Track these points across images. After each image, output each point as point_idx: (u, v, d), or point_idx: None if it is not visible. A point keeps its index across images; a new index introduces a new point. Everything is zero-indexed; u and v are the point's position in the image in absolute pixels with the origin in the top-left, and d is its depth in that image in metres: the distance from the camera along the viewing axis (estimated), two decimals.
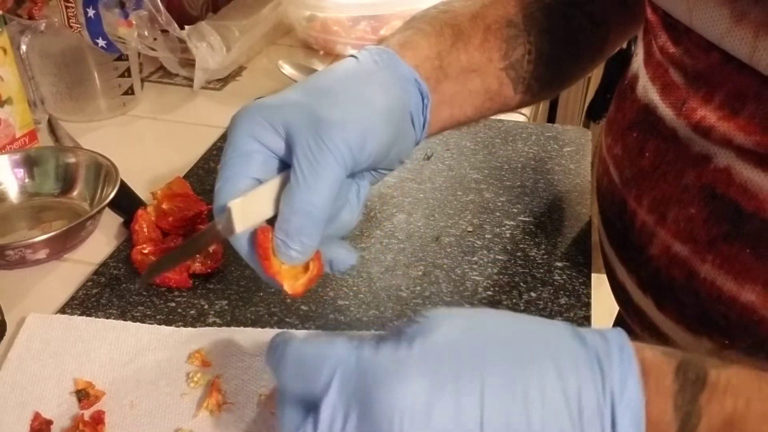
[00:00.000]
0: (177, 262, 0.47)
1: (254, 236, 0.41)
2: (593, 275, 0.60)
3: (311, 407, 0.33)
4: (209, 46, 0.89)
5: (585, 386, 0.31)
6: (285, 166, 0.42)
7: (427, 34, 0.50)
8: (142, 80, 0.91)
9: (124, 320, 0.55)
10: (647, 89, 0.50)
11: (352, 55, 0.46)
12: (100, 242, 0.65)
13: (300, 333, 0.39)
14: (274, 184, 0.41)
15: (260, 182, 0.41)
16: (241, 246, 0.42)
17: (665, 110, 0.47)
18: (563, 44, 0.56)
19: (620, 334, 0.33)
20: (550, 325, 0.34)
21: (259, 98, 0.43)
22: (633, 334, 0.55)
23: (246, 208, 0.40)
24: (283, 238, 0.40)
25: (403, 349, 0.31)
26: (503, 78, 0.53)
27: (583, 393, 0.30)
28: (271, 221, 0.41)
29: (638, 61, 0.53)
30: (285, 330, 0.38)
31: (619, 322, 0.73)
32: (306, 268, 0.42)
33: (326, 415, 0.31)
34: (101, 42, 0.80)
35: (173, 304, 0.57)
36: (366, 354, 0.32)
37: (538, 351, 0.32)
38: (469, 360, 0.31)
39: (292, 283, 0.41)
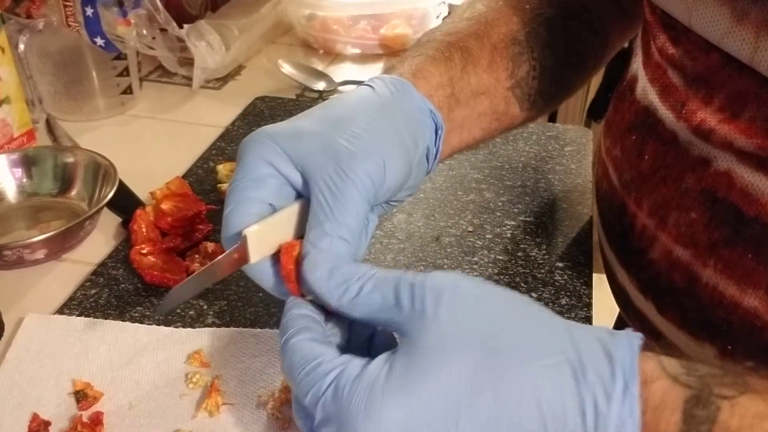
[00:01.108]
0: (192, 293, 0.46)
1: (278, 257, 0.38)
2: (594, 275, 0.60)
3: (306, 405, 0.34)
4: (208, 45, 0.89)
5: (573, 426, 0.29)
6: (300, 194, 0.40)
7: (437, 60, 0.49)
8: (141, 79, 0.90)
9: (123, 321, 0.54)
10: (646, 91, 0.49)
11: (367, 84, 0.45)
12: (99, 242, 0.64)
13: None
14: (291, 211, 0.39)
15: (273, 207, 0.39)
16: (258, 274, 0.39)
17: (665, 112, 0.47)
18: (565, 57, 0.56)
19: (629, 354, 0.31)
20: (550, 339, 0.32)
21: (266, 125, 0.41)
22: None
23: (262, 236, 0.38)
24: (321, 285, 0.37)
25: (382, 377, 0.31)
26: (510, 97, 0.53)
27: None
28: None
29: (637, 63, 0.52)
30: (292, 307, 0.37)
31: (620, 323, 0.73)
32: None
33: None
34: (100, 41, 0.80)
35: None
36: (343, 384, 0.32)
37: (525, 386, 0.30)
38: (447, 393, 0.30)
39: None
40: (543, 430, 0.30)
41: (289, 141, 0.39)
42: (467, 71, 0.50)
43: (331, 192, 0.37)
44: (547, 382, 0.30)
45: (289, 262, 0.38)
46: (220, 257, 0.39)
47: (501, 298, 0.34)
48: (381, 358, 0.32)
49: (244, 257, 0.38)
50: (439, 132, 0.46)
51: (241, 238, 0.37)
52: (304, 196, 0.39)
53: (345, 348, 0.37)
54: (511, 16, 0.54)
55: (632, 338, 0.32)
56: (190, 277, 0.42)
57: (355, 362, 0.32)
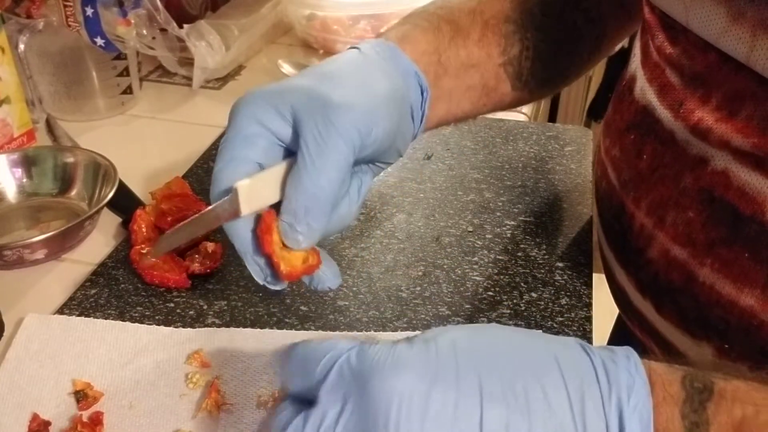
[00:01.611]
0: (179, 242, 0.47)
1: (259, 218, 0.40)
2: (594, 275, 0.60)
3: (309, 389, 0.33)
4: (208, 45, 0.89)
5: (590, 391, 0.30)
6: (289, 153, 0.41)
7: (425, 29, 0.50)
8: (141, 79, 0.90)
9: (123, 321, 0.54)
10: (645, 90, 0.49)
11: (354, 47, 0.46)
12: (99, 242, 0.64)
13: (304, 335, 0.38)
14: (280, 168, 0.40)
15: (262, 167, 0.41)
16: (237, 230, 0.41)
17: (663, 112, 0.47)
18: (560, 42, 0.56)
19: (626, 347, 0.33)
20: (555, 337, 0.34)
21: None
22: (633, 338, 0.55)
23: (252, 191, 0.39)
24: (290, 220, 0.39)
25: (403, 346, 0.31)
26: (501, 74, 0.54)
27: (588, 397, 0.30)
28: (276, 207, 0.41)
29: (636, 62, 0.52)
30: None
31: (619, 323, 0.73)
32: (303, 260, 0.41)
33: (320, 406, 0.31)
34: (100, 41, 0.80)
35: (172, 305, 0.56)
36: (366, 347, 0.32)
37: (542, 356, 0.31)
38: (470, 360, 0.31)
39: (287, 267, 0.40)
40: (565, 391, 0.30)
41: (278, 96, 0.40)
42: (455, 42, 0.51)
43: (315, 141, 0.38)
44: (565, 354, 0.32)
45: (271, 221, 0.39)
46: (211, 206, 0.40)
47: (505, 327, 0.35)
48: (393, 342, 0.32)
49: (235, 210, 0.39)
50: (425, 94, 0.47)
51: (232, 191, 0.39)
52: (293, 153, 0.40)
53: None
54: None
55: (625, 346, 0.34)
56: (182, 224, 0.43)
57: (370, 342, 0.33)
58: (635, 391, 0.30)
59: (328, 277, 0.44)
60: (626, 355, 0.32)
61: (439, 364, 0.30)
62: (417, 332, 0.36)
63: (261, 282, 0.42)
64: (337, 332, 0.54)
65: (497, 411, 0.29)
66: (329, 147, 0.38)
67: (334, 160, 0.39)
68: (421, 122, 0.48)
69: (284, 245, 0.40)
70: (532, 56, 0.54)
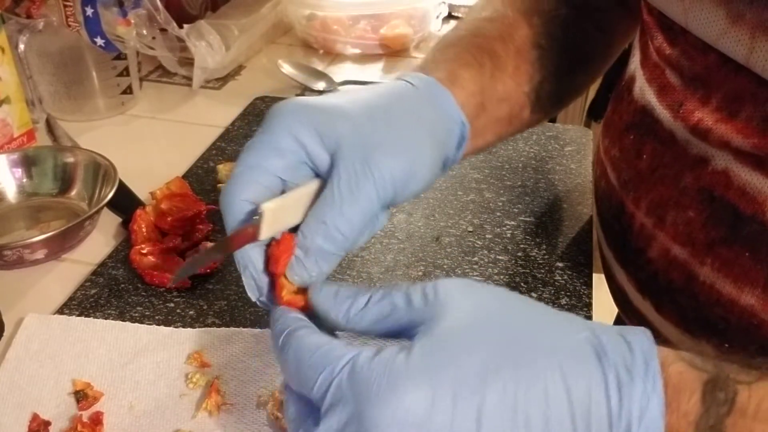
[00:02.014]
0: (200, 267, 0.45)
1: (275, 242, 0.38)
2: (594, 275, 0.60)
3: (310, 398, 0.32)
4: (208, 45, 0.89)
5: (596, 406, 0.29)
6: (314, 174, 0.39)
7: (470, 66, 0.48)
8: (141, 79, 0.90)
9: (123, 321, 0.54)
10: (644, 91, 0.49)
11: (406, 80, 0.44)
12: (99, 242, 0.64)
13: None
14: (308, 191, 0.38)
15: (283, 181, 0.39)
16: (249, 253, 0.38)
17: (662, 112, 0.47)
18: (575, 57, 0.56)
19: (646, 340, 0.31)
20: (567, 324, 0.32)
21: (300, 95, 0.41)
22: None
23: (275, 215, 0.37)
24: (301, 255, 0.37)
25: (401, 358, 0.30)
26: (525, 101, 0.52)
27: (593, 412, 0.29)
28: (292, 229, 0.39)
29: (635, 63, 0.52)
30: (285, 311, 0.36)
31: (619, 323, 0.73)
32: (301, 293, 0.39)
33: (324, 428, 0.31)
34: (100, 41, 0.79)
35: (172, 305, 0.56)
36: (361, 363, 0.31)
37: (547, 360, 0.30)
38: (470, 372, 0.30)
39: (288, 296, 0.38)
40: (569, 409, 0.29)
41: (325, 120, 0.38)
42: (495, 77, 0.49)
43: (348, 184, 0.37)
44: (572, 362, 0.30)
45: (281, 261, 0.37)
46: (234, 232, 0.38)
47: (514, 296, 0.34)
48: (395, 346, 0.31)
49: (255, 233, 0.37)
50: (463, 143, 0.45)
51: (257, 213, 0.37)
52: (322, 177, 0.39)
53: None
54: (531, 17, 0.53)
55: (645, 330, 0.32)
56: (204, 250, 0.41)
57: (368, 349, 0.31)
58: (648, 415, 0.29)
59: None
60: (645, 358, 0.30)
61: (437, 379, 0.29)
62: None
63: (254, 299, 0.40)
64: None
65: (495, 430, 0.29)
66: (361, 193, 0.37)
67: (361, 207, 0.37)
68: (449, 166, 0.46)
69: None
70: (551, 79, 0.53)
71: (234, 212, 0.38)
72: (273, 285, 0.38)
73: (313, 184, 0.39)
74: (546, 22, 0.54)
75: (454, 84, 0.46)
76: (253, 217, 0.37)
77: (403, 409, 0.29)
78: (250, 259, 0.38)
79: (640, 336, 0.31)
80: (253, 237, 0.37)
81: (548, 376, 0.29)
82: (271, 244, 0.38)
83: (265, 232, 0.37)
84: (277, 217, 0.37)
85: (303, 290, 0.38)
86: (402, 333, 0.33)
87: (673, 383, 0.30)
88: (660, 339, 0.48)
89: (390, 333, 0.34)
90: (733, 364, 0.31)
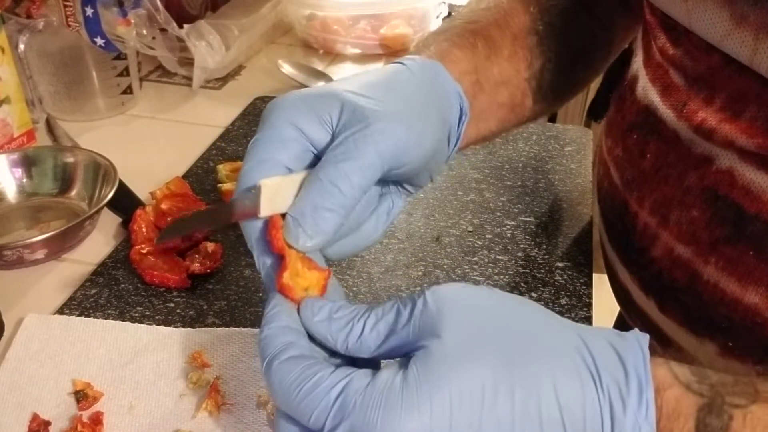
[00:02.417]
0: (190, 230, 0.43)
1: (269, 221, 0.37)
2: (594, 275, 0.60)
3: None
4: (208, 45, 0.89)
5: None
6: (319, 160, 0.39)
7: (463, 47, 0.48)
8: (141, 79, 0.90)
9: (123, 321, 0.54)
10: (647, 90, 0.49)
11: (399, 62, 0.44)
12: (99, 242, 0.64)
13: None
14: (307, 174, 0.38)
15: (290, 171, 0.38)
16: (253, 230, 0.38)
17: (666, 112, 0.47)
18: (576, 51, 0.56)
19: (641, 361, 0.31)
20: (563, 341, 0.32)
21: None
22: None
23: (275, 192, 0.37)
24: (297, 214, 0.36)
25: (397, 385, 0.30)
26: (526, 89, 0.53)
27: None
28: None
29: (638, 62, 0.52)
30: (272, 317, 0.35)
31: (620, 322, 0.73)
32: (305, 287, 0.38)
33: None
34: (100, 41, 0.79)
35: (172, 305, 0.56)
36: (354, 392, 0.30)
37: (544, 386, 0.30)
38: (465, 397, 0.30)
39: (289, 280, 0.37)
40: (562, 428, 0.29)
41: (321, 101, 0.38)
42: (491, 60, 0.49)
43: (347, 144, 0.36)
44: (567, 386, 0.30)
45: (280, 237, 0.37)
46: (231, 200, 0.38)
47: (509, 302, 0.34)
48: (390, 369, 0.31)
49: (254, 209, 0.37)
50: (463, 117, 0.45)
51: (255, 189, 0.37)
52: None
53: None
54: (528, 6, 0.54)
55: (641, 341, 0.32)
56: (197, 211, 0.40)
57: (359, 373, 0.31)
58: None
59: None
60: (639, 387, 0.30)
61: (433, 406, 0.29)
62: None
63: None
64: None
65: None
66: (359, 152, 0.36)
67: (361, 166, 0.36)
68: (455, 145, 0.46)
69: (298, 254, 0.37)
70: (552, 68, 0.53)
71: None
72: (277, 265, 0.37)
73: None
74: (543, 11, 0.54)
75: (446, 60, 0.46)
76: (251, 191, 0.37)
77: None
78: (255, 240, 0.38)
79: (635, 353, 0.31)
80: (253, 212, 0.37)
81: (543, 403, 0.30)
82: (267, 224, 0.38)
83: (266, 208, 0.37)
84: (277, 195, 0.37)
85: (306, 281, 0.37)
86: (406, 347, 0.33)
87: (667, 411, 0.30)
88: (663, 339, 0.48)
89: (394, 352, 0.33)
90: (732, 385, 0.31)
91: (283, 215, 0.37)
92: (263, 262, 0.38)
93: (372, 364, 0.35)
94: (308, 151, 0.39)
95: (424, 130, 0.40)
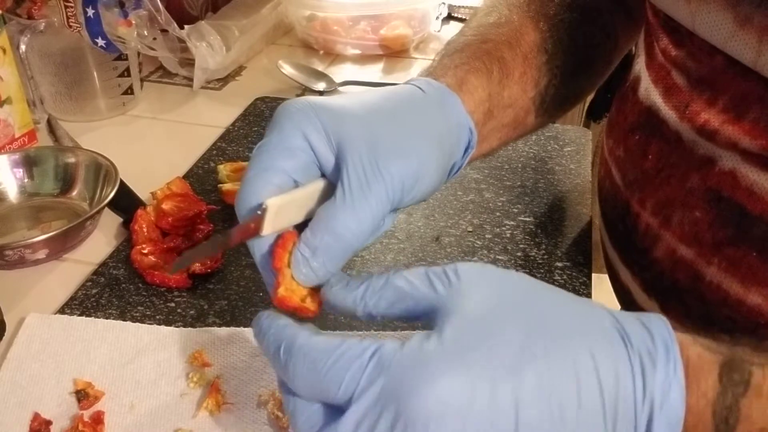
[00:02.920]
0: (206, 255, 0.44)
1: (278, 238, 0.38)
2: (594, 275, 0.60)
3: (328, 399, 0.31)
4: (209, 46, 0.89)
5: (623, 391, 0.30)
6: (322, 174, 0.39)
7: (480, 72, 0.48)
8: (142, 80, 0.90)
9: (124, 320, 0.54)
10: (649, 91, 0.49)
11: (415, 85, 0.44)
12: (100, 242, 0.65)
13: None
14: (310, 191, 0.38)
15: (296, 182, 0.38)
16: (259, 248, 0.38)
17: (668, 113, 0.47)
18: (581, 62, 0.56)
19: (665, 327, 0.32)
20: (590, 309, 0.32)
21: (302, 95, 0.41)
22: None
23: (280, 211, 0.37)
24: (307, 253, 0.36)
25: (432, 344, 0.30)
26: (530, 107, 0.52)
27: (621, 398, 0.29)
28: (298, 227, 0.39)
29: (640, 63, 0.52)
30: (269, 313, 0.35)
31: None
32: (302, 297, 0.38)
33: (351, 425, 0.30)
34: (101, 42, 0.80)
35: (173, 305, 0.56)
36: (389, 355, 0.30)
37: (577, 344, 0.30)
38: (504, 356, 0.29)
39: (285, 293, 0.37)
40: (599, 395, 0.29)
41: (332, 119, 0.38)
42: (503, 84, 0.49)
43: (359, 182, 0.36)
44: (601, 347, 0.30)
45: (283, 257, 0.37)
46: (236, 226, 0.38)
47: (531, 279, 0.34)
48: (421, 335, 0.30)
49: (258, 228, 0.37)
50: (469, 150, 0.45)
51: (260, 208, 0.36)
52: (327, 177, 0.39)
53: None
54: (537, 22, 0.53)
55: (662, 317, 0.32)
56: (204, 242, 0.41)
57: (389, 340, 0.30)
58: (670, 396, 0.30)
59: None
60: (665, 344, 0.31)
61: (471, 363, 0.29)
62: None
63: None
64: (337, 331, 0.54)
65: (532, 412, 0.29)
66: (372, 193, 0.36)
67: (372, 208, 0.36)
68: (455, 173, 0.46)
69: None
70: (557, 84, 0.53)
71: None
72: (275, 282, 0.38)
73: (319, 184, 0.39)
74: (552, 26, 0.53)
75: (463, 90, 0.45)
76: (257, 212, 0.37)
77: (442, 399, 0.28)
78: (261, 257, 0.38)
79: (658, 323, 0.32)
80: (256, 232, 0.37)
81: (580, 361, 0.30)
82: (276, 240, 0.38)
83: (268, 228, 0.37)
84: (281, 213, 0.37)
85: (303, 292, 0.38)
86: (421, 316, 0.33)
87: (692, 364, 0.31)
88: None
89: (408, 315, 0.33)
90: (747, 347, 0.32)
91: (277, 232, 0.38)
92: (269, 278, 0.38)
93: None
94: (313, 163, 0.38)
95: (430, 165, 0.40)
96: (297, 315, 0.37)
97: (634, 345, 0.30)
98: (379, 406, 0.29)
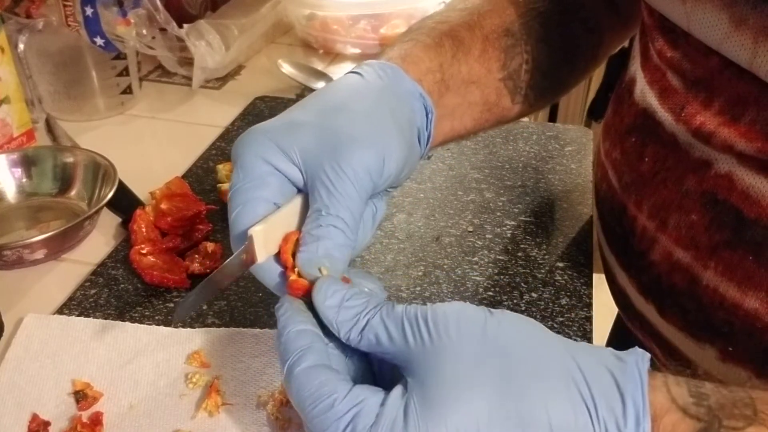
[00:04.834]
0: (206, 299, 0.46)
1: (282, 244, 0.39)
2: (594, 275, 0.60)
3: None
4: (208, 45, 0.89)
5: None
6: (299, 190, 0.40)
7: (428, 46, 0.49)
8: (141, 79, 0.90)
9: (123, 321, 0.54)
10: (645, 93, 0.49)
11: (355, 72, 0.45)
12: (99, 242, 0.64)
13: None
14: (293, 207, 0.39)
15: (277, 206, 0.39)
16: (265, 272, 0.39)
17: (664, 115, 0.46)
18: (559, 53, 0.56)
19: (639, 389, 0.31)
20: (559, 375, 0.32)
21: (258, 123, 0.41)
22: (634, 338, 0.54)
23: (267, 235, 0.38)
24: (320, 263, 0.37)
25: (400, 420, 0.31)
26: (501, 89, 0.53)
27: None
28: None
29: (635, 65, 0.52)
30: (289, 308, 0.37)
31: (618, 323, 0.73)
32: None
33: None
34: (99, 41, 0.79)
35: (172, 305, 0.56)
36: (362, 427, 0.31)
37: (538, 423, 0.30)
38: (472, 421, 0.30)
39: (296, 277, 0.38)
40: None
41: (284, 137, 0.39)
42: (457, 59, 0.50)
43: (327, 191, 0.37)
44: (562, 420, 0.30)
45: (288, 250, 0.38)
46: (228, 260, 0.39)
47: (507, 328, 0.34)
48: (394, 398, 0.32)
49: (251, 257, 0.38)
50: (430, 116, 0.46)
51: (247, 239, 0.37)
52: (304, 191, 0.39)
53: (348, 364, 0.36)
54: (505, 8, 0.54)
55: (640, 365, 0.32)
56: (199, 285, 0.41)
57: (370, 402, 0.32)
58: None
59: (371, 291, 0.41)
60: (636, 419, 0.30)
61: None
62: None
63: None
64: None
65: None
66: (341, 194, 0.37)
67: (347, 206, 0.37)
68: (427, 143, 0.46)
69: None
70: (531, 69, 0.54)
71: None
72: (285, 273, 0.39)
73: (298, 199, 0.40)
74: (522, 13, 0.54)
75: (406, 61, 0.46)
76: (244, 243, 0.38)
77: None
78: (272, 281, 0.39)
79: (633, 380, 0.31)
80: (251, 261, 0.38)
81: None
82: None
83: (261, 254, 0.38)
84: (268, 236, 0.38)
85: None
86: (396, 359, 0.34)
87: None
88: (663, 342, 0.48)
89: (389, 358, 0.34)
90: (731, 406, 0.31)
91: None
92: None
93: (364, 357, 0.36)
94: (286, 182, 0.39)
95: (393, 143, 0.40)
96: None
97: (600, 417, 0.30)
98: None
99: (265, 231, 0.37)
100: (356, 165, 0.38)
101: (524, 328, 0.34)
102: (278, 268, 0.39)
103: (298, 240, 0.38)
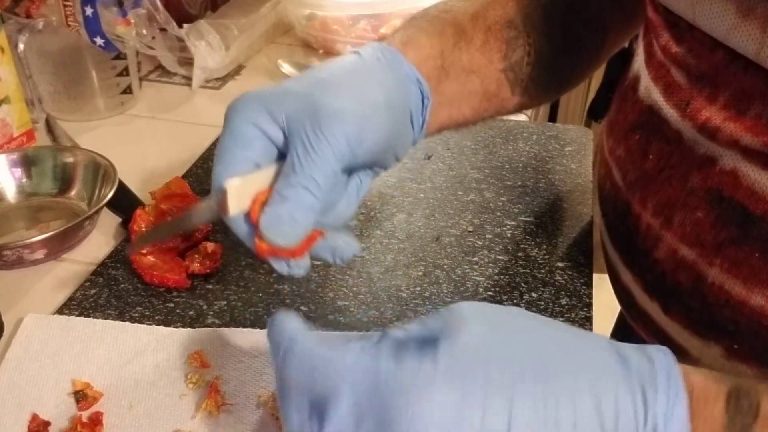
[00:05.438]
0: (168, 234, 0.47)
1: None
2: (595, 275, 0.60)
3: (318, 405, 0.31)
4: (208, 45, 0.89)
5: (623, 416, 0.29)
6: (282, 156, 0.42)
7: (430, 33, 0.50)
8: (141, 79, 0.90)
9: (123, 321, 0.54)
10: (649, 90, 0.49)
11: (355, 51, 0.46)
12: (99, 242, 0.64)
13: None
14: (272, 170, 0.41)
15: (259, 167, 0.41)
16: (239, 226, 0.41)
17: (669, 111, 0.46)
18: (561, 49, 0.56)
19: (666, 355, 0.31)
20: (589, 339, 0.32)
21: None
22: (636, 338, 0.54)
23: (242, 190, 0.40)
24: (275, 220, 0.39)
25: (428, 362, 0.29)
26: (502, 80, 0.53)
27: (621, 424, 0.29)
28: None
29: (639, 62, 0.52)
30: (284, 314, 0.36)
31: (620, 322, 0.73)
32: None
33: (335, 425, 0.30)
34: (99, 41, 0.79)
35: (172, 305, 0.56)
36: (385, 367, 0.30)
37: (575, 370, 0.30)
38: (499, 375, 0.29)
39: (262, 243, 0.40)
40: (598, 421, 0.29)
41: (273, 101, 0.41)
42: (459, 47, 0.50)
43: (305, 149, 0.39)
44: (599, 375, 0.30)
45: (257, 210, 0.40)
46: (200, 203, 0.41)
47: (528, 312, 0.34)
48: (415, 357, 0.30)
49: (223, 208, 0.40)
50: (426, 101, 0.47)
51: (221, 191, 0.39)
52: (286, 156, 0.41)
53: None
54: (508, 1, 0.54)
55: (663, 348, 0.32)
56: (167, 221, 0.43)
57: (385, 357, 0.30)
58: (673, 420, 0.29)
59: (345, 247, 0.43)
60: (667, 370, 0.30)
61: (466, 382, 0.29)
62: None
63: (284, 273, 0.42)
64: (337, 332, 0.53)
65: None
66: (317, 154, 0.39)
67: (321, 168, 0.39)
68: (422, 128, 0.47)
69: None
70: (533, 61, 0.54)
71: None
72: (255, 234, 0.41)
73: (280, 164, 0.41)
74: (525, 6, 0.54)
75: (406, 46, 0.47)
76: (218, 194, 0.40)
77: (436, 413, 0.28)
78: (244, 234, 0.41)
79: (659, 353, 0.32)
80: (223, 212, 0.40)
81: (577, 389, 0.29)
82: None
83: (234, 208, 0.40)
84: (243, 192, 0.40)
85: None
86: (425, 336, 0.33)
87: (697, 392, 0.30)
88: (667, 341, 0.48)
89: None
90: (754, 378, 0.32)
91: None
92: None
93: None
94: (271, 146, 0.41)
95: (376, 118, 0.42)
96: (283, 257, 0.41)
97: (633, 371, 0.30)
98: (367, 414, 0.30)
99: (240, 186, 0.39)
100: (336, 130, 0.39)
101: (543, 317, 0.34)
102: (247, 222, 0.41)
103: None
